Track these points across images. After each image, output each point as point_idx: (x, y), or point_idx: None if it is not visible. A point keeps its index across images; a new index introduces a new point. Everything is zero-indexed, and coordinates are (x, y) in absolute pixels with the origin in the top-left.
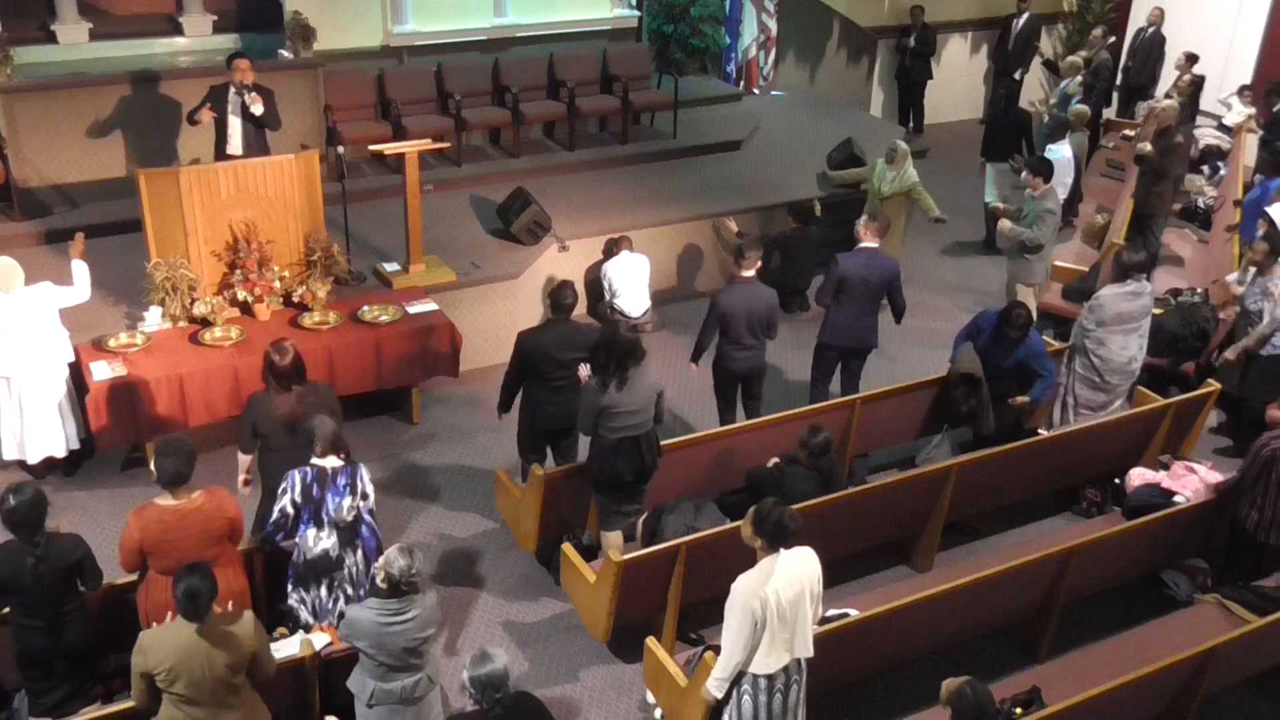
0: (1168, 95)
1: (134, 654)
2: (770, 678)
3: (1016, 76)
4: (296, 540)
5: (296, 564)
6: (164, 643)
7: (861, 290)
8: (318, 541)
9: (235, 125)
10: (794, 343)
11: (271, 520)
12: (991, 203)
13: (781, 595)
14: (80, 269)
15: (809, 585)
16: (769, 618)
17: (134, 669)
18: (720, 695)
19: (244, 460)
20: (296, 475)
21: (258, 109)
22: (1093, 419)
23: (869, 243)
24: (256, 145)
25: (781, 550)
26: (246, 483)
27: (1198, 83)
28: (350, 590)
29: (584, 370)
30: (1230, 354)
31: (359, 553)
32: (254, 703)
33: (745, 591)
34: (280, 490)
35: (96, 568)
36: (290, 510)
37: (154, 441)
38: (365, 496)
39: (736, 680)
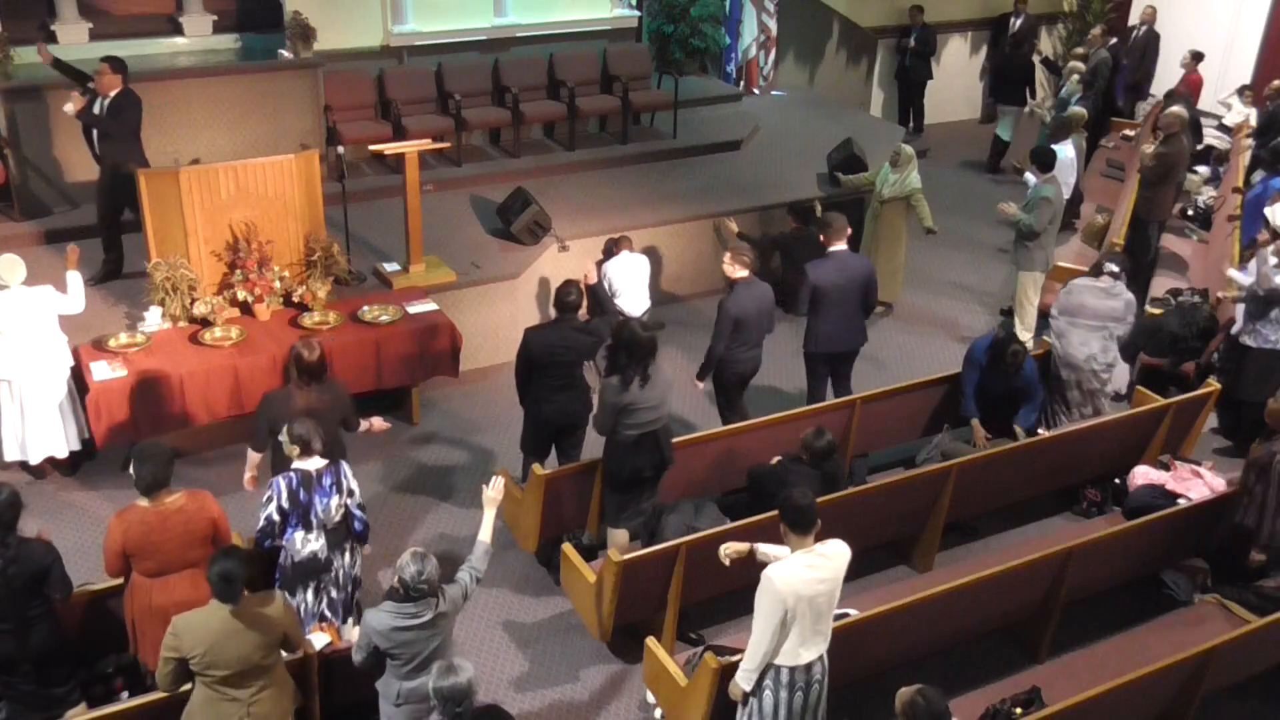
0: (1168, 96)
1: (167, 636)
2: (793, 671)
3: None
4: (283, 543)
5: (284, 567)
6: (199, 627)
7: (839, 296)
8: (306, 544)
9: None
10: (793, 344)
11: (258, 529)
12: (1006, 138)
13: (814, 586)
14: (75, 281)
15: (838, 577)
16: (801, 609)
17: (165, 651)
18: (749, 687)
19: (254, 458)
20: (281, 481)
21: (69, 107)
22: (1083, 422)
23: (837, 246)
24: (105, 149)
25: (814, 543)
26: (254, 480)
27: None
28: (335, 593)
29: (590, 366)
30: (1228, 293)
31: (346, 555)
32: (283, 678)
33: (777, 579)
34: (265, 498)
35: (65, 577)
36: (276, 517)
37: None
38: (351, 494)
39: (760, 673)
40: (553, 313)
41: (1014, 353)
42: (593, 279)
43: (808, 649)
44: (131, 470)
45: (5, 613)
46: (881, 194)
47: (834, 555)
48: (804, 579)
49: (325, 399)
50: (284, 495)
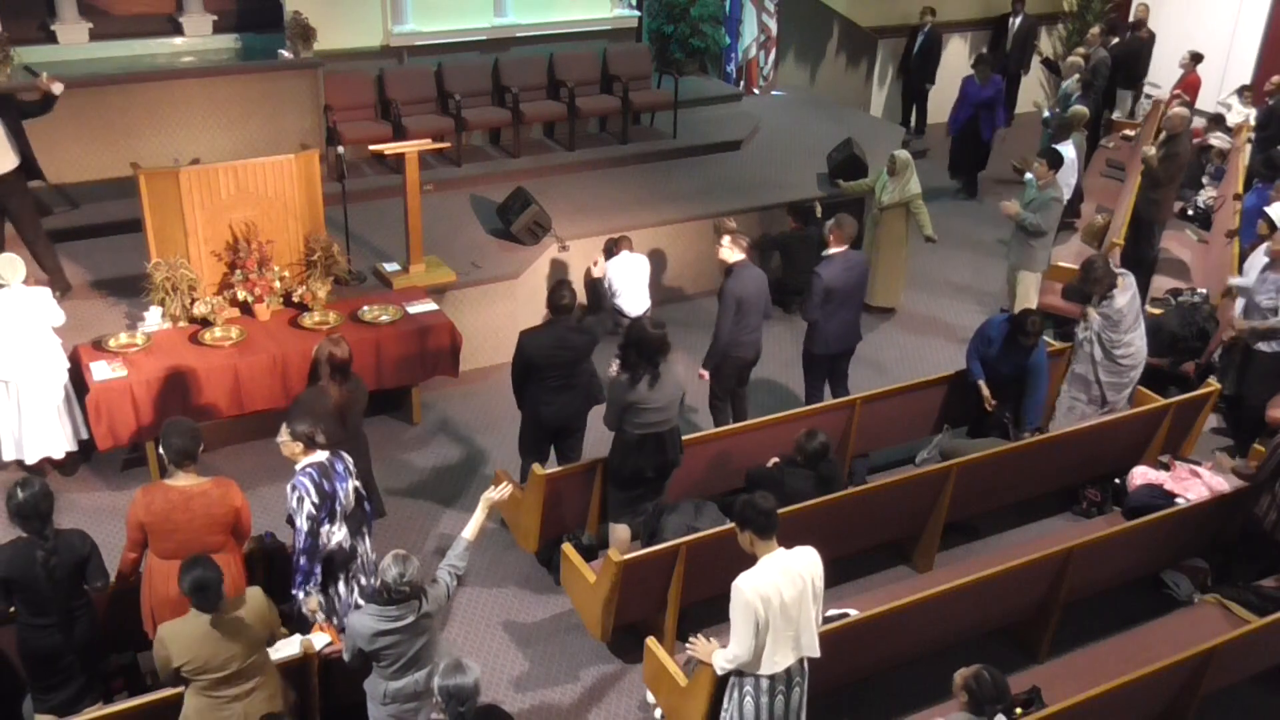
0: (1174, 96)
1: (155, 646)
2: (772, 678)
3: (1020, 76)
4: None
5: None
6: (184, 636)
7: (845, 295)
8: (331, 536)
9: None
10: (794, 344)
11: (305, 531)
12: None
13: (784, 593)
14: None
15: (811, 583)
16: (772, 616)
17: (157, 660)
18: (720, 672)
19: None
20: (305, 479)
21: None
22: (1082, 422)
23: (839, 247)
24: None
25: (779, 547)
26: None
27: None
28: (364, 579)
29: (614, 366)
30: (1225, 335)
31: (366, 539)
32: (275, 676)
33: (745, 588)
34: (295, 500)
35: (102, 565)
36: (315, 512)
37: (153, 442)
38: (356, 476)
39: (739, 680)
40: (546, 314)
41: (1033, 321)
42: (599, 272)
43: (782, 655)
44: (160, 448)
45: (49, 606)
46: (881, 201)
47: (803, 561)
48: (775, 584)
49: (354, 393)
50: (313, 492)
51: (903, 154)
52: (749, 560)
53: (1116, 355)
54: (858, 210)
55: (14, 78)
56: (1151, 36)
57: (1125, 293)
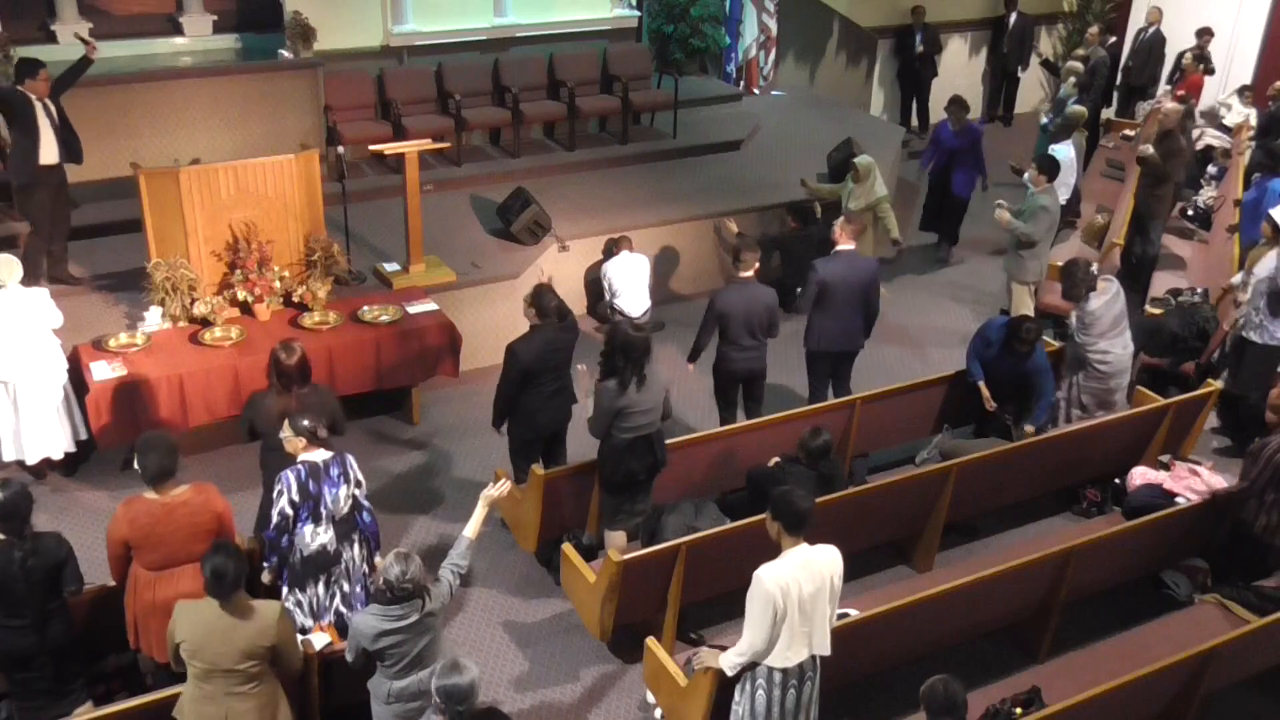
0: (1178, 96)
1: (172, 619)
2: (785, 672)
3: (1019, 75)
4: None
5: (293, 564)
6: (189, 616)
7: (845, 294)
8: (315, 537)
9: (49, 135)
10: (793, 343)
11: (273, 525)
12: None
13: (803, 588)
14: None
15: (830, 581)
16: (789, 609)
17: (169, 632)
18: (731, 672)
19: None
20: (290, 475)
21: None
22: (1083, 422)
23: (846, 245)
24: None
25: (804, 543)
26: None
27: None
28: (347, 586)
29: (582, 369)
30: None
31: (355, 546)
32: (274, 695)
33: (766, 578)
34: (276, 492)
35: (78, 570)
36: (289, 510)
37: None
38: (359, 484)
39: (752, 674)
40: (532, 320)
41: (1028, 329)
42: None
43: (795, 651)
44: (136, 463)
45: (24, 608)
46: (847, 207)
47: (825, 559)
48: (795, 578)
49: (309, 401)
50: (294, 488)
51: (865, 160)
52: (750, 560)
53: (1093, 360)
54: (835, 213)
55: (13, 77)
56: (1162, 39)
57: (1100, 297)
